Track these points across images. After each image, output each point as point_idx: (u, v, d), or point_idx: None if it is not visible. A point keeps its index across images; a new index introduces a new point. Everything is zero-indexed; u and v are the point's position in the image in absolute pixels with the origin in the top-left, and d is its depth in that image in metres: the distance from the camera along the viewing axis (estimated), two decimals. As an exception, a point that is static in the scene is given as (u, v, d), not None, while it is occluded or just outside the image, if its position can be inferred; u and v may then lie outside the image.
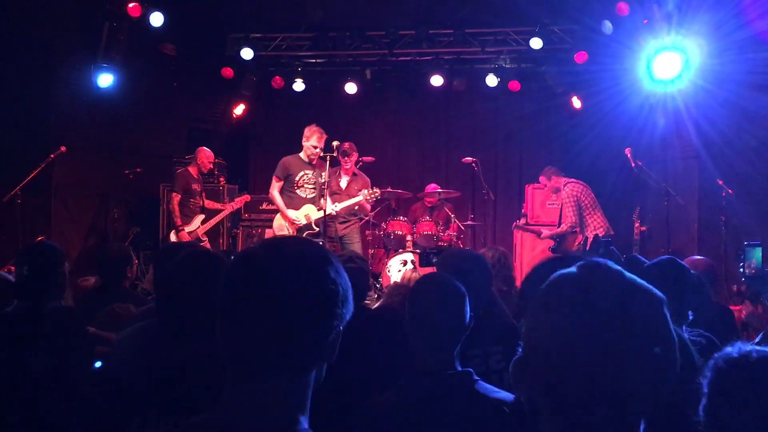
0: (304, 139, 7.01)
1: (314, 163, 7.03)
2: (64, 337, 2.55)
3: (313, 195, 7.00)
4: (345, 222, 7.71)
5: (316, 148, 6.93)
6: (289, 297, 1.14)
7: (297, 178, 7.00)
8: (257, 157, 11.20)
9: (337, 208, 7.01)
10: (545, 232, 7.75)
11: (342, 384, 2.23)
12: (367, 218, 8.20)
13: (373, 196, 7.14)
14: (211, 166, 8.05)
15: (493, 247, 4.89)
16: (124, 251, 4.12)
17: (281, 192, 7.02)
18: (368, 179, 7.90)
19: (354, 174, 7.80)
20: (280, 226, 7.04)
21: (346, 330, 1.23)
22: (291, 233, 6.82)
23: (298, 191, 7.01)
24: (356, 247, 7.70)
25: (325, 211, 7.21)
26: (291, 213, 6.94)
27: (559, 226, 7.59)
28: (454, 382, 2.01)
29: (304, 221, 6.92)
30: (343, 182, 7.77)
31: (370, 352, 2.61)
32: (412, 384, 2.05)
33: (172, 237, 7.64)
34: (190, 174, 7.82)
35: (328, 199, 6.91)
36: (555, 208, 7.83)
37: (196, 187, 7.83)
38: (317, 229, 6.91)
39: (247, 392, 1.16)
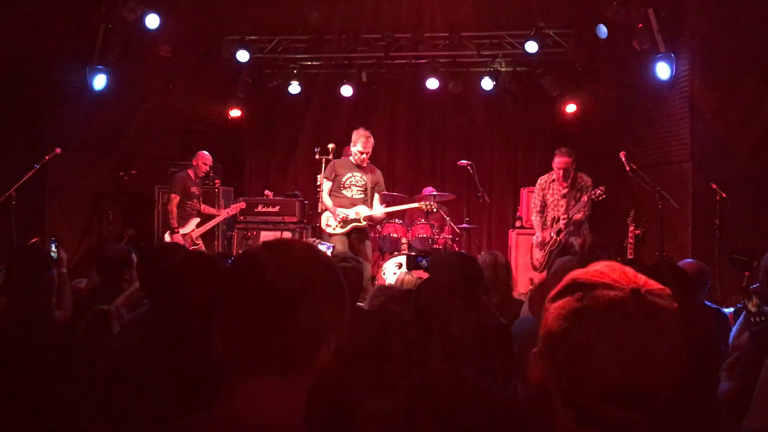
0: (351, 143, 7.04)
1: (363, 166, 7.07)
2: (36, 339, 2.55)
3: (361, 196, 7.04)
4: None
5: (362, 153, 6.95)
6: (288, 300, 1.15)
7: (344, 180, 7.03)
8: (253, 160, 11.20)
9: (386, 210, 7.26)
10: (576, 215, 6.94)
11: (337, 385, 2.23)
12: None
13: (429, 208, 7.42)
14: (208, 169, 8.09)
15: (490, 252, 4.90)
16: (122, 252, 4.11)
17: (330, 193, 7.10)
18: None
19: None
20: (326, 219, 7.14)
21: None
22: (337, 225, 7.00)
23: (344, 191, 7.04)
24: (366, 246, 7.69)
25: (320, 214, 7.22)
26: (340, 210, 7.00)
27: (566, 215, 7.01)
28: (462, 387, 2.01)
29: (353, 215, 6.97)
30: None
31: (365, 354, 2.61)
32: (418, 388, 2.03)
33: (167, 238, 7.68)
34: (189, 176, 7.92)
35: (376, 199, 7.13)
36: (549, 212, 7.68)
37: (194, 190, 7.91)
38: (364, 223, 7.05)
39: (243, 393, 1.16)
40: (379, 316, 3.33)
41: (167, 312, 1.87)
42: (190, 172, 7.96)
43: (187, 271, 1.92)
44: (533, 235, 7.43)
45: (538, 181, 7.28)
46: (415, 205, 7.26)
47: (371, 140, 7.00)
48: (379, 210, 7.15)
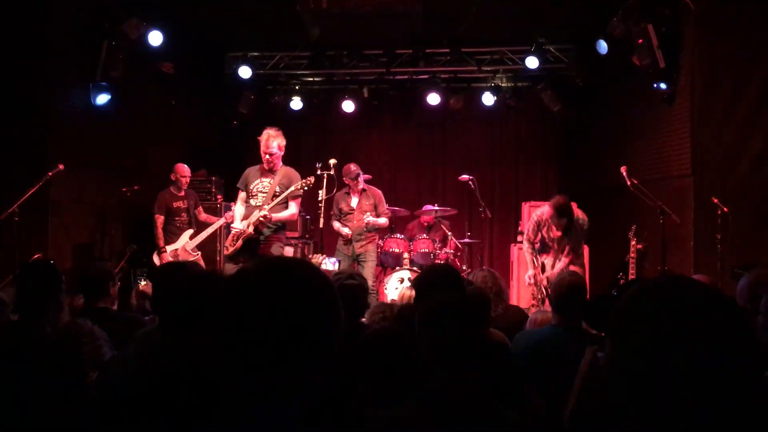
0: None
1: (275, 169, 6.39)
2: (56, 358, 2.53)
3: (262, 203, 6.31)
4: (360, 240, 7.73)
5: (265, 154, 6.32)
6: (286, 320, 1.15)
7: (252, 187, 6.43)
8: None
9: (264, 213, 6.16)
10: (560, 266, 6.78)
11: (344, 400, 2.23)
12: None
13: (305, 185, 6.37)
14: (188, 179, 8.09)
15: (485, 269, 4.94)
16: (104, 269, 4.07)
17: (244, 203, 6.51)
18: (379, 191, 7.97)
19: (363, 190, 7.86)
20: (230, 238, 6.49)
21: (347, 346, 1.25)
22: (234, 239, 6.34)
23: (251, 201, 6.40)
24: (371, 266, 7.73)
25: (322, 229, 7.23)
26: (236, 224, 6.40)
27: (568, 255, 6.81)
28: (468, 400, 2.01)
29: (243, 226, 6.29)
30: (354, 201, 7.84)
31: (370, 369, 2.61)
32: (425, 401, 2.03)
33: (155, 258, 7.74)
34: (170, 193, 7.94)
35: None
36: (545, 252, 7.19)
37: (178, 204, 7.93)
38: (251, 232, 6.20)
39: (242, 417, 1.16)
40: (382, 330, 3.33)
41: (179, 331, 1.87)
42: (172, 189, 7.97)
43: (204, 291, 1.92)
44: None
45: (535, 213, 7.00)
46: (291, 189, 6.27)
47: (274, 139, 6.32)
48: (270, 207, 6.24)
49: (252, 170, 6.52)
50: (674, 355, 1.02)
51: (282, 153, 6.41)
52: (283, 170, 6.42)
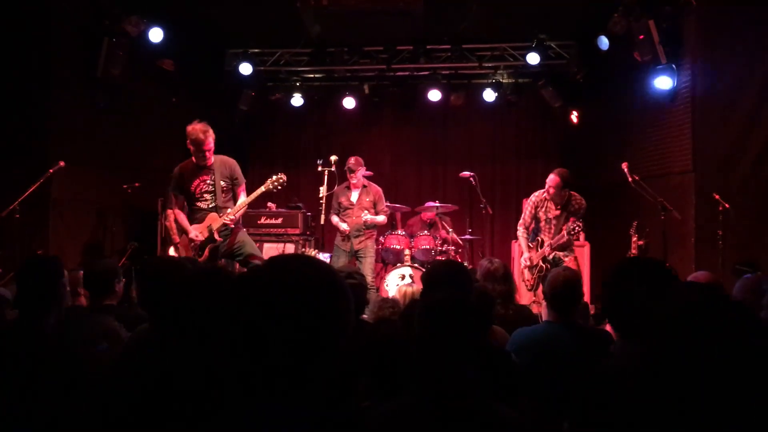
0: (187, 140, 5.88)
1: (209, 164, 5.93)
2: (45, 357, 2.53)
3: (214, 204, 5.96)
4: (359, 236, 7.72)
5: (206, 150, 5.83)
6: (295, 320, 1.15)
7: (193, 190, 5.95)
8: (255, 173, 11.19)
9: (231, 218, 5.94)
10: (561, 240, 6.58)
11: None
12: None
13: (278, 183, 6.17)
14: None
15: (496, 261, 4.86)
16: (110, 266, 4.06)
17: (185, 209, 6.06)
18: (379, 189, 7.96)
19: (364, 186, 7.86)
20: (185, 246, 6.04)
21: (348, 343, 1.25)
22: (194, 250, 5.97)
23: (198, 203, 5.99)
24: (369, 262, 7.73)
25: (323, 226, 7.23)
26: (193, 230, 5.96)
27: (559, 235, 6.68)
28: (467, 400, 2.00)
29: (205, 235, 5.95)
30: (354, 196, 7.83)
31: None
32: (422, 396, 2.03)
33: (171, 252, 7.70)
34: None
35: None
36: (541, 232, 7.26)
37: None
38: (220, 239, 5.95)
39: (245, 413, 1.16)
40: (381, 327, 3.34)
41: (170, 329, 1.87)
42: None
43: (192, 288, 1.92)
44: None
45: (532, 195, 6.90)
46: (262, 189, 6.14)
47: (209, 134, 5.83)
48: (235, 210, 5.97)
49: (182, 172, 6.02)
50: (708, 357, 1.27)
51: None
52: (217, 161, 5.99)
